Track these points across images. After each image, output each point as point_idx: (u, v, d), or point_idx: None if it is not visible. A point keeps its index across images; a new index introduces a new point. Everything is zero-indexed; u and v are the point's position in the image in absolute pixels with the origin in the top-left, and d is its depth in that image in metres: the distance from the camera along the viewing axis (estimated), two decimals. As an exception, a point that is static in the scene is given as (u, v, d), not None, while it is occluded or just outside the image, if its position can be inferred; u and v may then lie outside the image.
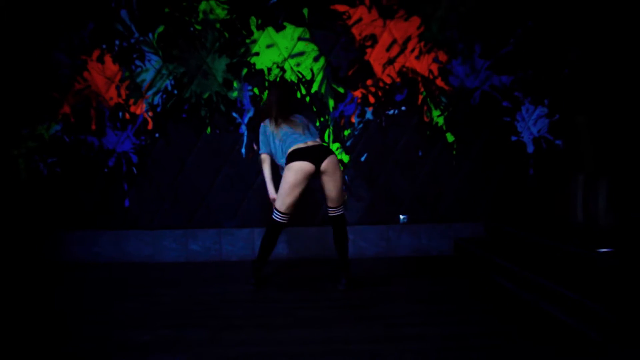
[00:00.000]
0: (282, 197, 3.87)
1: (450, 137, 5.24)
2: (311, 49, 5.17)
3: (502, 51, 5.21)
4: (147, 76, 5.14)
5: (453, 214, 5.25)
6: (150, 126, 5.16)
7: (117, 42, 5.12)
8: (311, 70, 5.17)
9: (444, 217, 5.25)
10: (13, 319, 3.39)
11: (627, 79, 4.70)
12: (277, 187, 4.01)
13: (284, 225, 3.92)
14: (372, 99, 5.20)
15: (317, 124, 5.16)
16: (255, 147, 5.17)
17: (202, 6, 5.14)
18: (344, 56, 5.18)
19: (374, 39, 5.18)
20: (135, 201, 5.17)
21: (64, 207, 5.13)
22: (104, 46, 5.12)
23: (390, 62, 5.20)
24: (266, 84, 5.14)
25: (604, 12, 4.93)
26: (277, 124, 3.95)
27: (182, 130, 5.16)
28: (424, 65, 5.21)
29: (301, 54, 5.14)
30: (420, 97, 5.22)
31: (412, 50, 5.20)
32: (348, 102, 5.20)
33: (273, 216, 3.91)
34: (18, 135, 5.10)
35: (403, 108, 5.22)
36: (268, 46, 5.14)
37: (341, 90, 5.19)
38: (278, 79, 5.12)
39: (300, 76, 5.16)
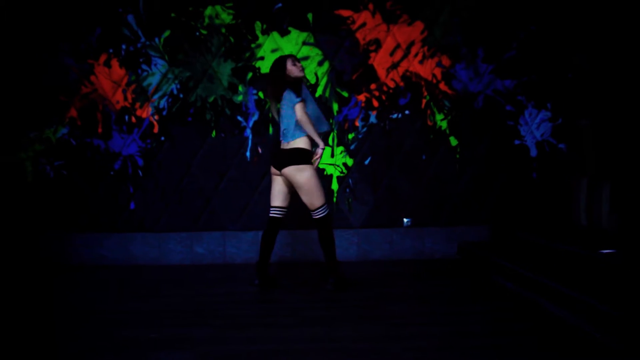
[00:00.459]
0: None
1: (453, 141, 5.27)
2: (315, 53, 5.22)
3: (505, 55, 5.25)
4: (153, 80, 5.20)
5: (457, 217, 5.26)
6: (156, 129, 5.21)
7: (123, 46, 5.18)
8: (315, 74, 5.22)
9: (448, 220, 5.26)
10: (23, 318, 3.41)
11: (630, 83, 4.73)
12: (269, 189, 4.15)
13: (276, 220, 4.05)
14: (376, 103, 5.24)
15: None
16: (259, 151, 5.21)
17: (208, 11, 5.20)
18: (348, 60, 5.22)
19: (377, 44, 5.23)
20: (140, 204, 5.21)
21: (70, 209, 5.16)
22: (111, 50, 5.19)
23: (394, 66, 5.24)
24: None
25: (607, 17, 4.96)
26: (273, 104, 4.07)
27: (187, 133, 5.21)
28: (427, 70, 5.25)
29: (305, 58, 5.18)
30: (424, 101, 5.26)
31: (416, 55, 5.25)
32: (352, 106, 5.24)
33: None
34: (25, 138, 5.15)
35: (407, 112, 5.25)
36: (273, 50, 5.19)
37: (345, 94, 5.23)
38: None
39: (305, 80, 5.20)
